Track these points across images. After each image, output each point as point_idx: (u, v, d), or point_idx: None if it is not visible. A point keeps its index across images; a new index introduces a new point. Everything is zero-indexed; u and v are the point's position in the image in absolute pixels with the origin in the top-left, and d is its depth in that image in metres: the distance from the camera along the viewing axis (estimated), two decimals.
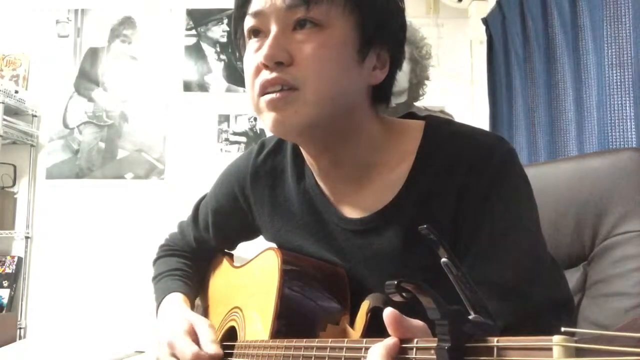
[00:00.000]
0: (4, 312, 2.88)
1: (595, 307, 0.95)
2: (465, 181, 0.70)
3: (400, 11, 0.75)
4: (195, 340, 0.81)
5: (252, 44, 0.72)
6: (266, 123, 0.71)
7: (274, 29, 0.68)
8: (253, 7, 0.70)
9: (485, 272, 0.65)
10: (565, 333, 0.30)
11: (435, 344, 0.38)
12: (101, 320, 2.87)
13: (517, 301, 0.65)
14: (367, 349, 0.49)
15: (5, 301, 2.91)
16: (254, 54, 0.71)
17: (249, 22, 0.71)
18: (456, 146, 0.72)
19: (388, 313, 0.44)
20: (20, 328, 2.92)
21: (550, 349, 0.31)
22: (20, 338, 2.89)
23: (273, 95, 0.68)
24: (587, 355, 0.29)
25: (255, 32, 0.71)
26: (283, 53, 0.67)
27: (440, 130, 0.75)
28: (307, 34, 0.67)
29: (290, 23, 0.68)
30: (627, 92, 1.53)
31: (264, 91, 0.69)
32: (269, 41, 0.68)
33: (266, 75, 0.68)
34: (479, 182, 0.70)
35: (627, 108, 1.53)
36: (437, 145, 0.73)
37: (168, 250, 1.05)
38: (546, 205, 0.96)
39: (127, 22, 3.16)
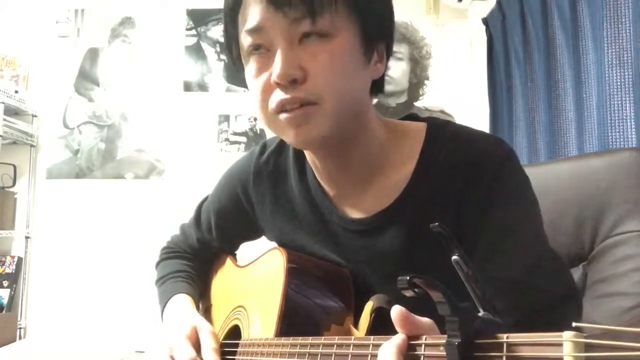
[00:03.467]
0: (4, 312, 2.87)
1: (595, 307, 0.95)
2: (468, 182, 0.71)
3: (390, 3, 0.76)
4: (196, 345, 0.81)
5: (254, 61, 0.69)
6: (287, 138, 0.71)
7: (281, 44, 0.66)
8: (251, 23, 0.67)
9: (490, 270, 0.65)
10: (575, 328, 0.30)
11: (444, 340, 0.39)
12: (101, 320, 2.86)
13: (523, 297, 0.66)
14: (374, 345, 0.49)
15: (5, 301, 2.90)
16: (259, 71, 0.69)
17: (247, 39, 0.69)
18: (458, 148, 0.73)
19: (396, 310, 0.45)
20: (20, 328, 2.91)
21: (561, 345, 0.31)
22: (20, 338, 2.88)
23: (293, 114, 0.67)
24: (597, 350, 0.29)
25: (256, 47, 0.69)
26: (296, 70, 0.65)
27: (443, 132, 0.76)
28: (316, 46, 0.66)
29: (296, 37, 0.66)
30: (627, 92, 1.53)
31: (281, 109, 0.68)
32: (279, 59, 0.65)
33: (281, 95, 0.66)
34: (481, 183, 0.70)
35: (627, 108, 1.53)
36: (439, 147, 0.74)
37: (170, 253, 1.06)
38: (546, 206, 0.96)
39: (127, 22, 3.15)
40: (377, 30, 0.71)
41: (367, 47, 0.70)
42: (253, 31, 0.68)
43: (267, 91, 0.68)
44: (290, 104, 0.67)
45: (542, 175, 1.06)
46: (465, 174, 0.71)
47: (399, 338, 0.45)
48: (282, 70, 0.65)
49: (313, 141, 0.70)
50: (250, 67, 0.71)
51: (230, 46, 0.75)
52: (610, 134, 1.55)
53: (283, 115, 0.68)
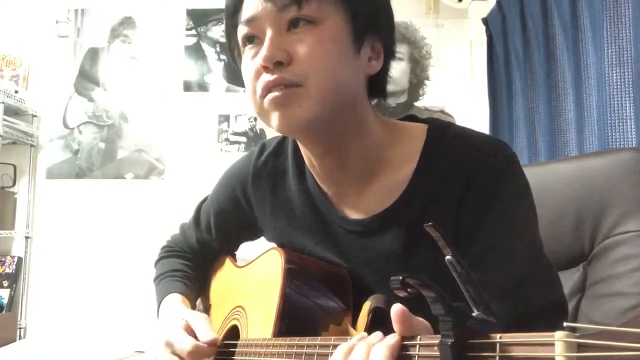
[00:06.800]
0: (4, 312, 2.87)
1: (595, 307, 0.95)
2: (467, 185, 0.71)
3: (387, 0, 0.77)
4: (193, 335, 0.82)
5: (248, 51, 0.72)
6: (272, 123, 0.71)
7: (269, 32, 0.69)
8: (245, 15, 0.71)
9: (483, 273, 0.65)
10: (567, 329, 0.30)
11: (438, 341, 0.38)
12: (101, 320, 2.86)
13: (513, 303, 0.66)
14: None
15: (5, 301, 2.90)
16: (251, 60, 0.71)
17: (242, 30, 0.72)
18: (459, 150, 0.73)
19: (396, 309, 0.45)
20: (20, 328, 2.91)
21: (553, 344, 0.31)
22: (20, 338, 2.88)
23: (276, 93, 0.68)
24: (589, 350, 0.29)
25: (250, 38, 0.72)
26: (281, 53, 0.68)
27: (443, 133, 0.76)
28: (302, 32, 0.68)
29: (284, 24, 0.69)
30: (627, 92, 1.53)
31: (266, 92, 0.69)
32: (266, 43, 0.68)
33: (267, 77, 0.68)
34: (481, 186, 0.70)
35: (627, 108, 1.53)
36: (440, 148, 0.74)
37: (169, 252, 1.06)
38: (546, 205, 0.96)
39: (127, 22, 3.15)
40: (367, 20, 0.72)
41: (356, 35, 0.71)
42: (247, 22, 0.71)
43: (256, 77, 0.70)
44: (275, 86, 0.68)
45: (542, 175, 1.06)
46: (466, 177, 0.71)
47: (392, 339, 0.45)
48: (267, 52, 0.68)
49: (297, 125, 0.70)
50: (245, 58, 0.73)
51: (233, 49, 0.77)
52: (610, 134, 1.55)
53: (267, 97, 0.69)
